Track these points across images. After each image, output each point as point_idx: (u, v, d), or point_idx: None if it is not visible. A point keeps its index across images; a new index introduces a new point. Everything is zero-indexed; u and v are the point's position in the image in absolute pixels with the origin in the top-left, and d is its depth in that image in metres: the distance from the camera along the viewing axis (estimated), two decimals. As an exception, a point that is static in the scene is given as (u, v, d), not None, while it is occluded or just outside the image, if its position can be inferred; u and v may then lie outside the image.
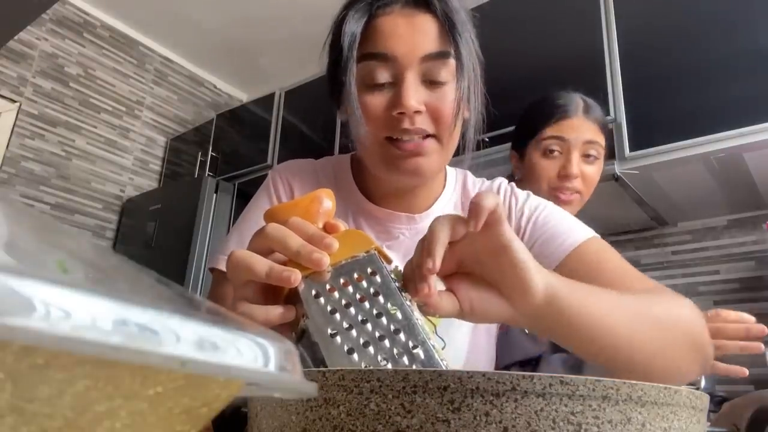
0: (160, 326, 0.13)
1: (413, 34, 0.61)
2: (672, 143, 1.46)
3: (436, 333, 0.65)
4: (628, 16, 1.64)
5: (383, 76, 0.62)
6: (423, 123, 0.61)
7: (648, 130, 1.52)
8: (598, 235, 0.66)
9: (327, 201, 0.48)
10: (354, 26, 0.62)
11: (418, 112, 0.60)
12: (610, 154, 1.50)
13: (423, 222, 0.72)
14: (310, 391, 0.17)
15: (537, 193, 1.04)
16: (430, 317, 0.66)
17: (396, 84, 0.62)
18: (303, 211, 0.47)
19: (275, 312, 0.42)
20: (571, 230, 0.65)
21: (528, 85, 1.72)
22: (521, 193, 0.75)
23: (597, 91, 1.62)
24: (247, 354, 0.15)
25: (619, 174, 1.53)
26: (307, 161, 0.80)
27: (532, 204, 0.72)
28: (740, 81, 1.41)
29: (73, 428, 0.14)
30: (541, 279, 0.42)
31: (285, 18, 2.83)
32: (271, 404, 0.31)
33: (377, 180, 0.71)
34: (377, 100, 0.62)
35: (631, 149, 1.53)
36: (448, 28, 0.62)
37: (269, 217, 0.49)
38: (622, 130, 1.56)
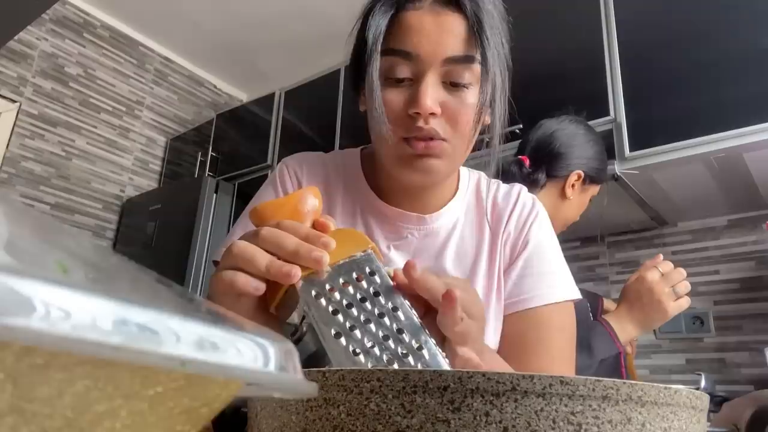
0: (160, 326, 0.13)
1: (439, 34, 0.59)
2: (672, 143, 1.46)
3: None
4: (628, 16, 1.64)
5: (404, 72, 0.60)
6: (438, 125, 0.60)
7: (648, 130, 1.52)
8: (573, 298, 0.69)
9: (313, 199, 0.48)
10: (380, 19, 0.61)
11: (433, 114, 0.59)
12: (610, 154, 1.52)
13: (433, 223, 0.71)
14: (310, 391, 0.17)
15: None
16: None
17: (416, 82, 0.60)
18: (291, 210, 0.46)
19: (243, 278, 0.42)
20: (551, 286, 0.68)
21: (528, 84, 1.72)
22: (541, 213, 0.74)
23: (597, 91, 1.62)
24: (247, 354, 0.15)
25: (619, 174, 1.53)
26: (316, 154, 0.79)
27: (541, 236, 0.72)
28: (740, 81, 1.41)
29: (73, 428, 0.14)
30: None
31: (285, 18, 2.83)
32: (271, 404, 0.31)
33: (389, 177, 0.70)
34: (396, 97, 0.61)
35: (631, 149, 1.52)
36: (477, 30, 0.60)
37: (255, 216, 0.48)
38: (622, 130, 1.55)
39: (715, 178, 1.58)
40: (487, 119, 0.66)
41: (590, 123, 1.55)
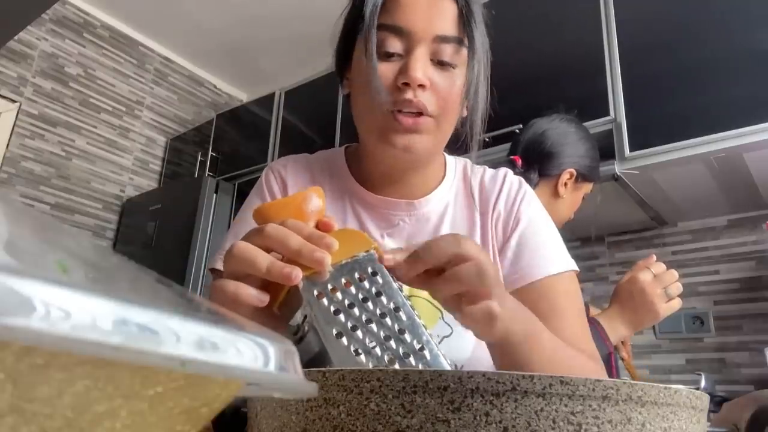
0: (160, 326, 0.13)
1: (431, 13, 0.62)
2: (672, 143, 1.46)
3: (443, 319, 0.65)
4: (628, 16, 1.64)
5: (395, 47, 0.62)
6: (426, 99, 0.62)
7: (648, 130, 1.52)
8: (574, 270, 0.69)
9: (317, 199, 0.48)
10: None
11: (422, 86, 0.61)
12: (610, 154, 1.52)
13: (423, 208, 0.71)
14: (310, 391, 0.17)
15: None
16: (435, 305, 0.66)
17: (406, 56, 0.62)
18: (294, 210, 0.47)
19: (246, 290, 0.42)
20: (550, 258, 0.68)
21: (528, 85, 1.72)
22: (529, 192, 0.75)
23: (597, 91, 1.62)
24: (247, 354, 0.15)
25: (619, 174, 1.53)
26: (301, 156, 0.80)
27: (532, 212, 0.72)
28: (740, 81, 1.41)
29: (73, 428, 0.14)
30: (502, 329, 0.46)
31: (285, 18, 2.83)
32: (271, 404, 0.31)
33: (373, 164, 0.71)
34: (386, 69, 0.62)
35: (631, 149, 1.52)
36: (466, 14, 0.63)
37: (258, 215, 0.48)
38: (622, 130, 1.55)
39: (715, 178, 1.58)
40: (465, 112, 0.68)
41: (590, 123, 1.56)
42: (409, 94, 0.61)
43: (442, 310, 0.66)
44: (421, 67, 0.61)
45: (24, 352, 0.12)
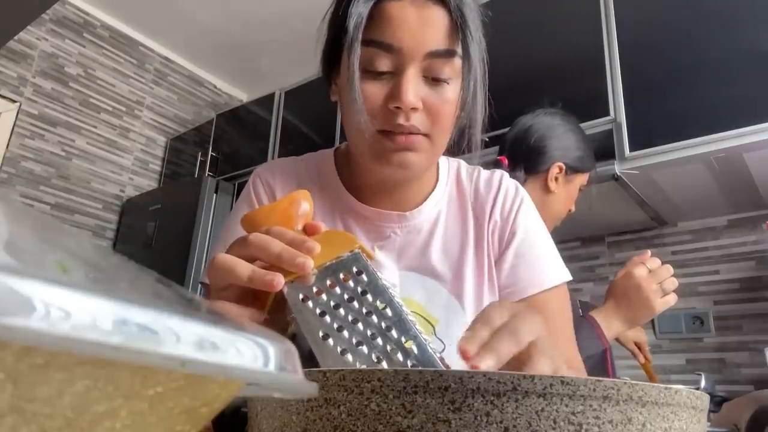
0: (160, 326, 0.13)
1: (422, 27, 0.58)
2: (672, 143, 1.46)
3: (435, 335, 0.65)
4: (628, 16, 1.64)
5: (384, 65, 0.59)
6: (418, 121, 0.59)
7: (648, 130, 1.52)
8: (566, 279, 0.70)
9: (304, 203, 0.48)
10: (361, 7, 0.58)
11: (414, 109, 0.58)
12: (610, 154, 1.51)
13: (414, 219, 0.70)
14: (310, 391, 0.17)
15: None
16: (428, 318, 0.65)
17: (396, 75, 0.59)
18: (281, 215, 0.47)
19: (245, 313, 0.42)
20: (546, 272, 0.69)
21: (528, 85, 1.72)
22: (525, 199, 0.73)
23: (597, 91, 1.62)
24: (247, 354, 0.15)
25: (619, 174, 1.53)
26: (289, 160, 0.77)
27: (528, 223, 0.71)
28: (740, 81, 1.41)
29: (73, 428, 0.14)
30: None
31: (285, 18, 2.83)
32: (271, 404, 0.31)
33: (365, 174, 0.69)
34: (375, 90, 0.59)
35: (631, 149, 1.52)
36: (461, 24, 0.59)
37: (247, 222, 0.49)
38: (622, 130, 1.55)
39: (715, 178, 1.58)
40: (461, 118, 0.65)
41: (590, 123, 1.56)
42: (401, 119, 0.58)
43: (434, 325, 0.66)
44: (412, 89, 0.57)
45: (24, 352, 0.12)
